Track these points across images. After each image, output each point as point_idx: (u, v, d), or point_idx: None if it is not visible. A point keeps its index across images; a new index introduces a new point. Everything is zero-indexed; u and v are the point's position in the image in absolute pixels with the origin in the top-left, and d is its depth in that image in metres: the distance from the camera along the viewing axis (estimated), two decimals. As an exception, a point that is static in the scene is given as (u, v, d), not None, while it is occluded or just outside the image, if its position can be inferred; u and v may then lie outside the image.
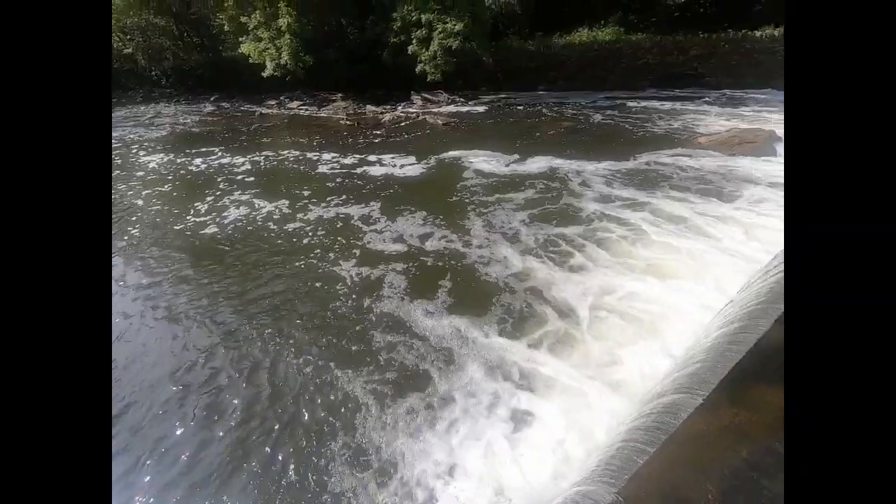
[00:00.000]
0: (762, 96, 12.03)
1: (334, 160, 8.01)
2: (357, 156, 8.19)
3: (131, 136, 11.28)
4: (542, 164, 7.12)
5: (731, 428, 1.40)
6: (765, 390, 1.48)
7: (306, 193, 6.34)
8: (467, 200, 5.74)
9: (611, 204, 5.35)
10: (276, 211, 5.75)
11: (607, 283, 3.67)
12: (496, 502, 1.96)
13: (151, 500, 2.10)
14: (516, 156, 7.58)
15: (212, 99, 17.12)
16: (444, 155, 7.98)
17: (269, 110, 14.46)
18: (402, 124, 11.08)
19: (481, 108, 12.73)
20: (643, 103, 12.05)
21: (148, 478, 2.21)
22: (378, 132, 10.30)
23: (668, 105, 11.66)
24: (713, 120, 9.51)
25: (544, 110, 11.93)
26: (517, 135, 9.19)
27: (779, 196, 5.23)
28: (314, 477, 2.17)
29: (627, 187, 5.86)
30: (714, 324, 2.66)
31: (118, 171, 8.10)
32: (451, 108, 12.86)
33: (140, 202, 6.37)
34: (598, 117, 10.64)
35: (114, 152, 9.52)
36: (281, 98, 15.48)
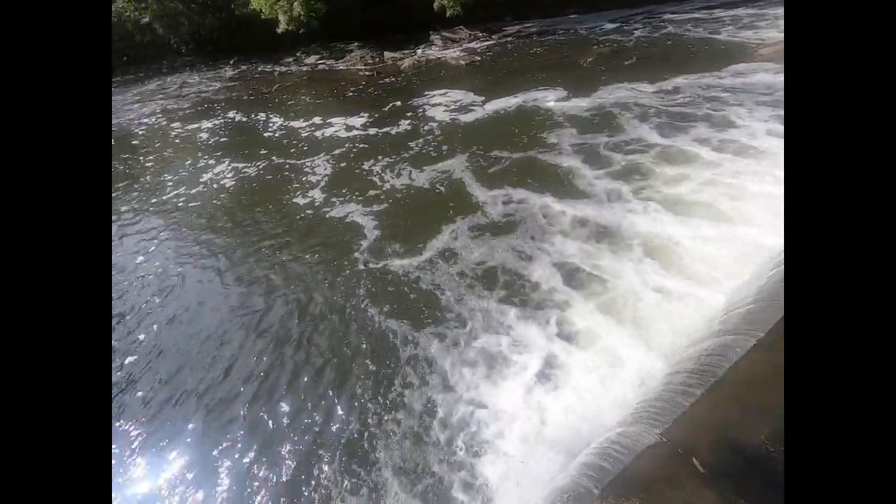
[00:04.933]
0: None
1: (350, 117, 7.80)
2: (369, 112, 7.91)
3: (163, 108, 11.53)
4: (579, 98, 6.54)
5: (792, 368, 1.29)
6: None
7: (322, 153, 6.29)
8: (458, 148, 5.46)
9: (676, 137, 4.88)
10: (300, 169, 5.79)
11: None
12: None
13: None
14: (542, 92, 7.01)
15: (231, 62, 16.88)
16: (456, 100, 7.53)
17: (287, 68, 14.12)
18: (422, 69, 10.47)
19: (505, 42, 11.70)
20: (686, 15, 10.54)
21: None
22: (395, 81, 9.83)
23: (713, 14, 10.13)
24: (765, 28, 8.17)
25: (577, 35, 10.77)
26: (540, 68, 8.42)
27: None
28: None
29: (692, 112, 5.29)
30: (767, 264, 2.44)
31: (157, 143, 8.41)
32: (473, 45, 11.92)
33: (171, 172, 6.62)
34: (640, 36, 9.47)
35: (150, 125, 9.82)
36: (297, 54, 15.00)
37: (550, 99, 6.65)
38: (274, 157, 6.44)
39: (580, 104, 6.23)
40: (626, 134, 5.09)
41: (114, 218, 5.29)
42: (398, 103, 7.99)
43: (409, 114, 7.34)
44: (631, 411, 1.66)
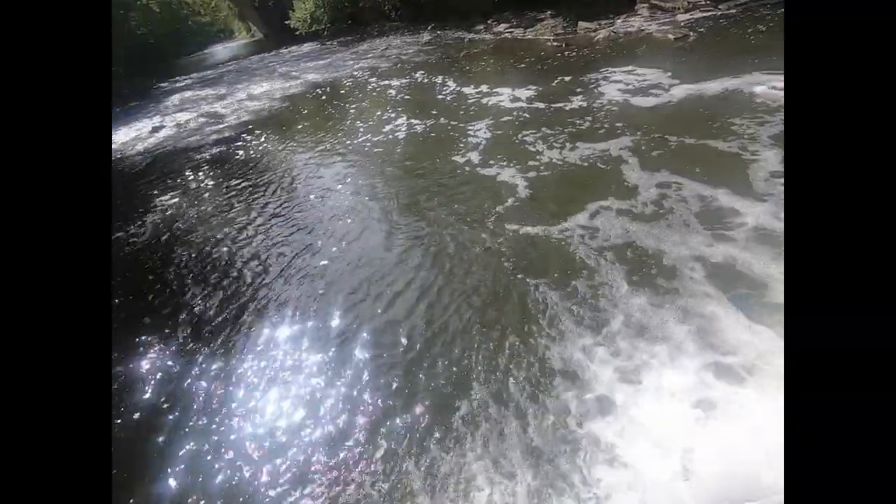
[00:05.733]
0: None
1: (521, 88, 7.66)
2: (542, 84, 7.59)
3: (370, 65, 13.55)
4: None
5: None
6: None
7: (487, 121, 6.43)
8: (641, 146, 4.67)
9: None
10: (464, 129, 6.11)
11: None
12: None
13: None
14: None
15: (429, 28, 18.41)
16: (643, 79, 6.54)
17: (477, 35, 14.64)
18: (618, 42, 9.46)
19: (732, 14, 9.52)
20: None
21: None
22: (581, 54, 9.17)
23: None
24: None
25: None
26: (767, 48, 6.56)
27: None
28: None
29: None
30: None
31: (358, 94, 10.03)
32: (688, 17, 10.09)
33: (363, 120, 7.80)
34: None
35: (356, 78, 11.72)
36: (489, 21, 15.35)
37: (766, 84, 5.24)
38: (442, 118, 6.99)
39: (812, 95, 4.77)
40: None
41: (319, 154, 6.66)
42: (575, 77, 7.52)
43: (580, 90, 6.86)
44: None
